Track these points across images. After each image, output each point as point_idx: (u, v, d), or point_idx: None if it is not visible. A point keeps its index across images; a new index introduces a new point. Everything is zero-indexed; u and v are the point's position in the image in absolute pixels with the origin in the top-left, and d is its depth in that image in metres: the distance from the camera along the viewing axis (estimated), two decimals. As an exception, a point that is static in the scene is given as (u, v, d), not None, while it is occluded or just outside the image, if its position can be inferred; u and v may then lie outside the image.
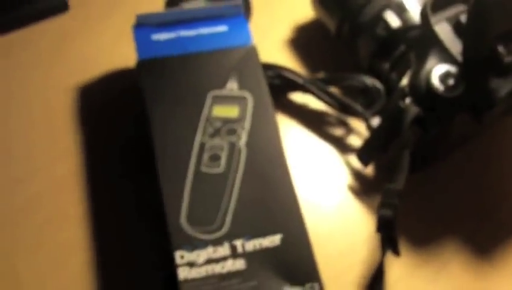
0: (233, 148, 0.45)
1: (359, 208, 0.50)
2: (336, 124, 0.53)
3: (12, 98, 0.53)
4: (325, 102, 0.52)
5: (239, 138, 0.45)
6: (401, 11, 0.50)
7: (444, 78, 0.45)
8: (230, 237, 0.42)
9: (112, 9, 0.58)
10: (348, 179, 0.51)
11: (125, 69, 0.54)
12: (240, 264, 0.41)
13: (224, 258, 0.41)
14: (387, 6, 0.51)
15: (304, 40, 0.58)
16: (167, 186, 0.43)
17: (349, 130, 0.53)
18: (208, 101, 0.47)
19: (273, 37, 0.58)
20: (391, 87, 0.50)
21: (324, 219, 0.49)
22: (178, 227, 0.42)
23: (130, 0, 0.59)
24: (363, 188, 0.50)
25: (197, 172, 0.44)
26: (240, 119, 0.46)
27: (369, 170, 0.51)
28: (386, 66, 0.51)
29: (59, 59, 0.55)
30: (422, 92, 0.45)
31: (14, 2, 0.57)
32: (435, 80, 0.45)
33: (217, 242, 0.42)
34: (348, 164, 0.51)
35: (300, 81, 0.52)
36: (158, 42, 0.49)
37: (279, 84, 0.53)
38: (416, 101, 0.45)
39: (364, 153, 0.49)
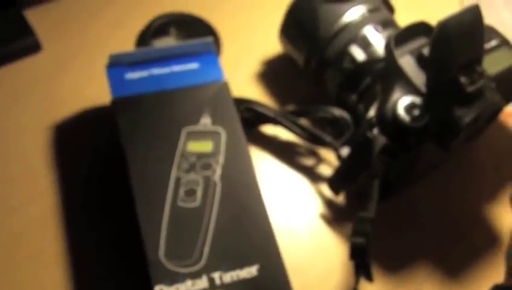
0: (208, 182, 0.46)
1: (332, 236, 0.51)
2: (306, 154, 0.55)
3: (-13, 138, 0.54)
4: (296, 133, 0.54)
5: (214, 172, 0.46)
6: (366, 45, 0.52)
7: (409, 109, 0.46)
8: (208, 269, 0.43)
9: (84, 48, 0.59)
10: (320, 207, 0.52)
11: (98, 108, 0.55)
12: None
13: None
14: (353, 40, 0.53)
15: (274, 73, 0.59)
16: (145, 223, 0.44)
17: (320, 160, 0.55)
18: (182, 137, 0.48)
19: (243, 72, 0.59)
20: (359, 118, 0.52)
21: (298, 247, 0.51)
22: (157, 262, 0.43)
23: (101, 40, 0.60)
24: (335, 216, 0.52)
25: (174, 207, 0.45)
26: (214, 154, 0.47)
27: (341, 198, 0.53)
28: (353, 97, 0.52)
29: (33, 99, 0.56)
30: (389, 122, 0.47)
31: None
32: (401, 111, 0.46)
33: (195, 275, 0.43)
34: (320, 193, 0.53)
35: (271, 114, 0.54)
36: (131, 81, 0.50)
37: (251, 117, 0.54)
38: (384, 131, 0.47)
39: (335, 182, 0.51)
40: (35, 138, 0.54)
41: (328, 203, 0.53)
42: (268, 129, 0.56)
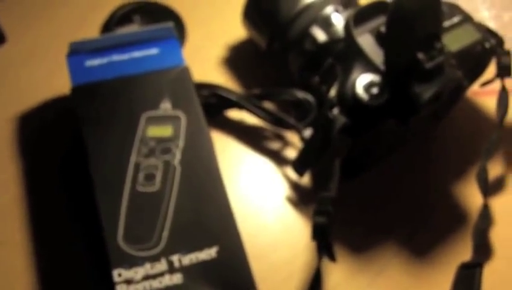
0: (167, 166, 0.46)
1: (298, 218, 0.51)
2: (272, 138, 0.55)
3: (-50, 130, 0.54)
4: (260, 117, 0.53)
5: (173, 156, 0.46)
6: (327, 25, 0.52)
7: (368, 87, 0.46)
8: (167, 252, 0.43)
9: (49, 40, 0.59)
10: (286, 190, 0.52)
11: (61, 97, 0.55)
12: (177, 278, 0.42)
13: (161, 274, 0.42)
14: (314, 21, 0.52)
15: (238, 58, 0.59)
16: (104, 208, 0.44)
17: (285, 143, 0.54)
18: (142, 122, 0.48)
19: (208, 57, 0.59)
20: (322, 99, 0.51)
21: (264, 230, 0.50)
22: (116, 246, 0.42)
23: (66, 31, 0.60)
24: (301, 198, 0.52)
25: (133, 192, 0.45)
26: (174, 138, 0.47)
27: (306, 180, 0.52)
28: (316, 79, 0.52)
29: (-3, 90, 0.56)
30: (349, 102, 0.46)
31: None
32: (360, 90, 0.46)
33: (154, 258, 0.42)
34: (286, 176, 0.53)
35: (234, 98, 0.54)
36: (91, 68, 0.50)
37: (215, 102, 0.54)
38: (344, 111, 0.47)
39: (299, 164, 0.50)
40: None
41: (294, 185, 0.52)
42: (234, 114, 0.55)
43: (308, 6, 0.53)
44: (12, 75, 0.57)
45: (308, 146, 0.49)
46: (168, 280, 0.42)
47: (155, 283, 0.41)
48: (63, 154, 0.52)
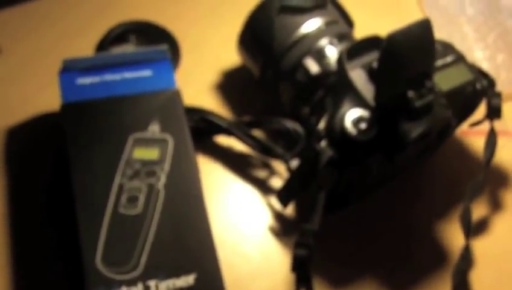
0: (151, 189, 0.46)
1: (279, 248, 0.51)
2: (259, 166, 0.55)
3: None
4: (248, 144, 0.53)
5: (158, 179, 0.46)
6: (320, 57, 0.52)
7: (357, 122, 0.46)
8: (144, 277, 0.42)
9: (42, 54, 0.59)
10: (269, 220, 0.52)
11: (50, 113, 0.55)
12: None
13: None
14: (308, 52, 0.52)
15: (231, 84, 0.59)
16: (84, 228, 0.44)
17: (272, 172, 0.54)
18: (129, 143, 0.47)
19: (200, 82, 0.59)
20: (311, 130, 0.51)
21: (244, 259, 0.50)
22: (93, 268, 0.42)
23: (61, 47, 0.60)
24: (284, 228, 0.52)
25: (115, 213, 0.44)
26: (160, 162, 0.47)
27: (290, 211, 0.52)
28: (306, 110, 0.52)
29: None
30: (337, 135, 0.46)
31: None
32: (348, 124, 0.46)
33: (131, 282, 0.42)
34: (270, 206, 0.53)
35: (224, 124, 0.53)
36: (83, 86, 0.50)
37: (204, 127, 0.54)
38: (331, 144, 0.47)
39: (284, 194, 0.50)
40: (-15, 141, 0.54)
41: (277, 216, 0.52)
42: (222, 140, 0.55)
43: (303, 37, 0.53)
44: (3, 88, 0.57)
45: (294, 177, 0.49)
46: None
47: None
48: (48, 172, 0.52)
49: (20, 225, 0.50)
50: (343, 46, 0.52)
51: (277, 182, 0.54)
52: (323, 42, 0.53)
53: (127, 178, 0.46)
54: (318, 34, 0.53)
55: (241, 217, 0.52)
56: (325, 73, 0.51)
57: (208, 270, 0.43)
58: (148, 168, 0.47)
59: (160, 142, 0.48)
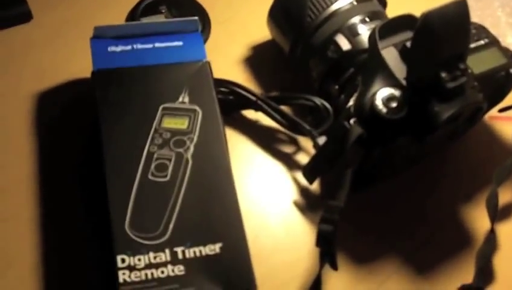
0: (180, 158, 0.46)
1: (304, 223, 0.51)
2: (286, 141, 0.55)
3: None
4: (275, 120, 0.53)
5: (187, 149, 0.46)
6: (352, 35, 0.52)
7: (387, 101, 0.46)
8: (171, 243, 0.43)
9: (74, 21, 0.59)
10: (294, 195, 0.52)
11: (81, 79, 0.55)
12: (179, 270, 0.42)
13: (164, 264, 0.42)
14: (339, 29, 0.52)
15: (260, 59, 0.59)
16: (113, 193, 0.44)
17: (299, 148, 0.54)
18: (159, 112, 0.48)
19: (230, 55, 0.59)
20: (339, 108, 0.51)
21: (269, 232, 0.50)
22: (122, 232, 0.43)
23: (92, 14, 0.60)
24: (308, 204, 0.52)
25: (144, 180, 0.45)
26: (189, 132, 0.47)
27: (315, 187, 0.52)
28: (336, 87, 0.52)
29: (19, 67, 0.56)
30: (366, 113, 0.46)
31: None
32: (379, 102, 0.46)
33: (158, 248, 0.43)
34: (295, 180, 0.53)
35: (253, 98, 0.54)
36: (114, 54, 0.50)
37: (233, 100, 0.54)
38: (360, 122, 0.46)
39: (310, 171, 0.50)
40: (16, 105, 0.54)
41: (303, 191, 0.52)
42: (250, 114, 0.55)
43: (335, 14, 0.53)
44: (35, 54, 0.57)
45: (321, 154, 0.49)
46: (170, 270, 0.42)
47: (157, 272, 0.42)
48: (78, 136, 0.53)
49: (49, 189, 0.50)
50: (376, 24, 0.51)
51: (304, 158, 0.54)
52: (356, 19, 0.52)
53: (156, 146, 0.46)
54: (350, 11, 0.53)
55: (267, 191, 0.52)
56: (356, 51, 0.51)
57: (234, 240, 0.43)
58: (177, 138, 0.47)
59: (190, 113, 0.48)
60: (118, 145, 0.46)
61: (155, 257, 0.42)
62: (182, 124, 0.47)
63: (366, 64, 0.50)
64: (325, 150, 0.49)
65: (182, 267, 0.42)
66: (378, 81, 0.47)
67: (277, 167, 0.53)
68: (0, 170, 0.51)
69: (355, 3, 0.53)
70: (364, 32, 0.52)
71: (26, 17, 0.59)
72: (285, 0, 0.55)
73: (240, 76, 0.58)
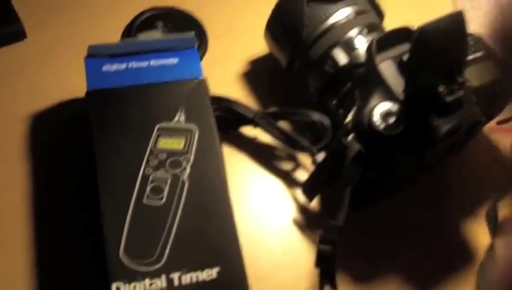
0: (176, 180, 0.45)
1: (303, 242, 0.50)
2: (284, 158, 0.54)
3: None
4: (274, 136, 0.53)
5: (183, 170, 0.46)
6: (350, 48, 0.51)
7: (385, 116, 0.45)
8: (168, 269, 0.42)
9: (68, 39, 0.59)
10: (293, 213, 0.51)
11: (76, 99, 0.55)
12: None
13: None
14: (337, 43, 0.51)
15: (257, 73, 0.58)
16: (107, 218, 0.43)
17: (298, 164, 0.54)
18: (155, 133, 0.47)
19: (228, 70, 0.58)
20: (338, 123, 0.51)
21: (268, 252, 0.50)
22: (116, 259, 0.42)
23: (87, 32, 0.59)
24: (308, 222, 0.51)
25: (139, 204, 0.44)
26: (185, 152, 0.46)
27: (315, 205, 0.51)
28: (334, 102, 0.51)
29: (12, 87, 0.56)
30: (364, 129, 0.45)
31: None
32: (376, 118, 0.45)
33: (154, 274, 0.42)
34: (294, 198, 0.52)
35: (250, 115, 0.53)
36: (108, 73, 0.49)
37: (230, 117, 0.53)
38: (359, 138, 0.46)
39: (309, 188, 0.50)
40: (9, 127, 0.54)
41: (302, 209, 0.52)
42: (248, 130, 0.55)
43: (333, 27, 0.52)
44: (29, 74, 0.57)
45: (320, 171, 0.49)
46: None
47: None
48: (72, 158, 0.52)
49: (42, 212, 0.50)
50: (374, 37, 0.51)
51: (302, 175, 0.53)
52: (353, 32, 0.51)
53: (152, 168, 0.46)
54: (348, 24, 0.52)
55: (266, 209, 0.51)
56: (354, 64, 0.50)
57: (232, 265, 0.43)
58: (174, 159, 0.46)
59: (186, 132, 0.47)
60: (112, 169, 0.45)
61: (151, 284, 0.41)
62: (178, 144, 0.47)
63: (363, 79, 0.49)
64: (323, 168, 0.48)
65: None
66: (375, 96, 0.46)
67: (276, 184, 0.53)
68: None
69: (352, 16, 0.52)
70: (362, 45, 0.51)
71: (19, 36, 0.58)
72: (282, 13, 0.54)
73: (238, 91, 0.57)
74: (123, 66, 0.50)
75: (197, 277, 0.42)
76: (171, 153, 0.46)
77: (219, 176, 0.46)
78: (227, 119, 0.53)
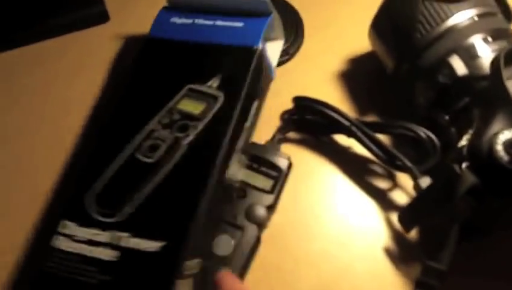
0: (175, 144, 0.43)
1: (394, 276, 0.44)
2: (379, 175, 0.48)
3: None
4: (370, 150, 0.46)
5: (186, 136, 0.43)
6: (469, 57, 0.44)
7: (510, 146, 0.38)
8: (119, 227, 0.40)
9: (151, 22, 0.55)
10: (385, 240, 0.45)
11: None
12: (108, 255, 0.39)
13: (98, 244, 0.40)
14: (455, 50, 0.45)
15: (356, 75, 0.53)
16: (94, 159, 0.43)
17: (395, 185, 0.47)
18: (182, 92, 0.45)
19: (324, 68, 0.53)
20: (448, 143, 0.44)
21: (352, 278, 0.44)
22: (80, 199, 0.41)
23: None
24: (402, 254, 0.45)
25: (131, 156, 0.43)
26: (198, 119, 0.44)
27: (412, 235, 0.45)
28: (446, 118, 0.45)
29: (96, 67, 0.55)
30: (483, 159, 0.39)
31: (55, 10, 0.57)
32: (499, 148, 0.38)
33: (105, 227, 0.40)
34: (388, 223, 0.46)
35: (346, 123, 0.47)
36: (174, 25, 0.49)
37: (324, 123, 0.48)
38: (475, 168, 0.39)
39: (407, 217, 0.43)
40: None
41: (396, 238, 0.45)
42: (342, 139, 0.49)
43: (451, 30, 0.45)
44: (112, 54, 0.55)
45: (423, 199, 0.43)
46: (100, 252, 0.39)
47: (86, 250, 0.40)
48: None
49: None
50: (500, 45, 0.44)
51: (400, 198, 0.47)
52: (475, 38, 0.45)
53: (160, 125, 0.44)
54: (469, 28, 0.45)
55: (353, 231, 0.46)
56: (474, 77, 0.44)
57: (177, 247, 0.39)
58: (184, 122, 0.44)
59: (209, 99, 0.45)
60: (126, 114, 0.45)
61: (94, 234, 0.40)
62: (196, 108, 0.45)
63: (486, 96, 0.42)
64: (428, 196, 0.42)
65: (114, 254, 0.39)
66: (500, 120, 0.40)
67: (368, 205, 0.47)
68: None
69: (476, 18, 0.45)
70: (485, 54, 0.44)
71: (102, 18, 0.58)
72: (392, 10, 0.48)
73: (332, 93, 0.52)
74: (190, 20, 0.49)
75: (139, 245, 0.39)
76: (184, 116, 0.44)
77: (215, 151, 0.42)
78: (321, 125, 0.48)
